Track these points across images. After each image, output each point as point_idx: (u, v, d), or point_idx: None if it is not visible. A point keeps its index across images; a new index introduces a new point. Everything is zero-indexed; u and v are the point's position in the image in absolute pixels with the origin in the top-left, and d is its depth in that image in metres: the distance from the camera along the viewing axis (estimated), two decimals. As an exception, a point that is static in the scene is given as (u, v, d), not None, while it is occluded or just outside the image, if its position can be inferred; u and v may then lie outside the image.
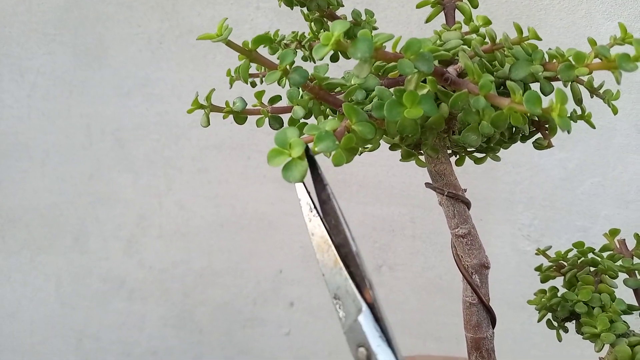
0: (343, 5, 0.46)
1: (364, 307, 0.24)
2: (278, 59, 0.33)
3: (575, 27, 0.88)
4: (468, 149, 0.46)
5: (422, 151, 0.42)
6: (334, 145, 0.28)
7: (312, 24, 0.47)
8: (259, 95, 0.42)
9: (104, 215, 1.10)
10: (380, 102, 0.34)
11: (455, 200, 0.48)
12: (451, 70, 0.35)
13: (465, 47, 0.38)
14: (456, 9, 0.42)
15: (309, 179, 0.28)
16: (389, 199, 1.00)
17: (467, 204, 0.49)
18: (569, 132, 0.28)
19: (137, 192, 1.08)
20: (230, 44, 0.32)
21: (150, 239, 1.10)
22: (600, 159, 0.90)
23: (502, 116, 0.29)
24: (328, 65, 0.39)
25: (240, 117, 0.43)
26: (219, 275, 1.10)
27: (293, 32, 0.60)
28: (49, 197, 1.11)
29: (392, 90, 0.37)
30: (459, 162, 0.46)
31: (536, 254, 0.61)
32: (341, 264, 0.25)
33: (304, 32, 0.59)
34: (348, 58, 0.29)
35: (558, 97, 0.27)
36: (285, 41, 0.61)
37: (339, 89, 0.37)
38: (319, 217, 0.27)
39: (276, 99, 0.43)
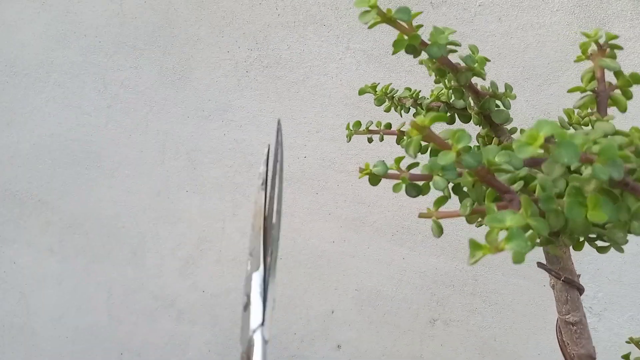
0: (485, 78, 0.45)
1: (261, 267, 0.31)
2: (451, 140, 0.32)
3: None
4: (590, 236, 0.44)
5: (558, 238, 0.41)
6: (526, 245, 0.27)
7: (451, 91, 0.47)
8: (398, 160, 0.42)
9: (165, 232, 1.10)
10: (548, 195, 0.33)
11: (570, 286, 0.47)
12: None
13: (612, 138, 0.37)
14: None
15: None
16: (454, 253, 0.98)
17: (581, 291, 0.48)
18: None
19: (202, 214, 1.08)
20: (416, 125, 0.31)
21: (208, 262, 1.10)
22: (677, 241, 0.89)
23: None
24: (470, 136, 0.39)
25: (376, 179, 0.42)
26: (270, 307, 1.09)
27: (408, 89, 0.59)
28: (113, 207, 1.11)
29: (552, 181, 0.36)
30: (578, 248, 0.45)
31: (627, 342, 0.60)
32: (262, 231, 0.31)
33: (419, 91, 0.59)
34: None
35: None
36: (396, 95, 0.61)
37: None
38: (264, 192, 0.33)
39: (414, 165, 0.43)
